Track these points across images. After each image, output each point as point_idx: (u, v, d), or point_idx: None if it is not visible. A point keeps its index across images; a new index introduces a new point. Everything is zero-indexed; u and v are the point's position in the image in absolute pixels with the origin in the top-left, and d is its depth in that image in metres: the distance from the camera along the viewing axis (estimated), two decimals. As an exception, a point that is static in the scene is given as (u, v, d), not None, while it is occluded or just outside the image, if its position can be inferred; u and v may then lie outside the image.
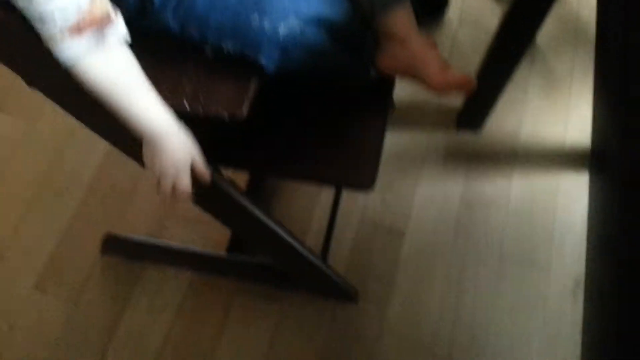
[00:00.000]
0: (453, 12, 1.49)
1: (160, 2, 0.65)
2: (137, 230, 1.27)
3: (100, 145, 1.35)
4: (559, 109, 1.39)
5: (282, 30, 0.65)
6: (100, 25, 0.55)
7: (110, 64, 0.58)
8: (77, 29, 0.54)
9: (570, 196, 1.29)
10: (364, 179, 0.82)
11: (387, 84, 0.90)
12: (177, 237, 1.26)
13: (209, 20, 0.66)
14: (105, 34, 0.56)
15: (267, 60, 0.68)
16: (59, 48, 0.54)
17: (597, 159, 0.72)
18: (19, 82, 0.64)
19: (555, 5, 0.94)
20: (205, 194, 0.70)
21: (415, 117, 1.40)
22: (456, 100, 1.34)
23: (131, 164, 0.72)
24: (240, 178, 1.21)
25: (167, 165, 0.63)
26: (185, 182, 0.65)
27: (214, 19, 0.66)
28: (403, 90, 0.89)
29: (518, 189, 1.30)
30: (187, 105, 0.66)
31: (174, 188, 0.65)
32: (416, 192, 1.31)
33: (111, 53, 0.58)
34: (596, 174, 0.71)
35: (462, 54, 1.44)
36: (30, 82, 0.65)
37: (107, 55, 0.57)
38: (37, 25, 0.53)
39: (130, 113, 0.60)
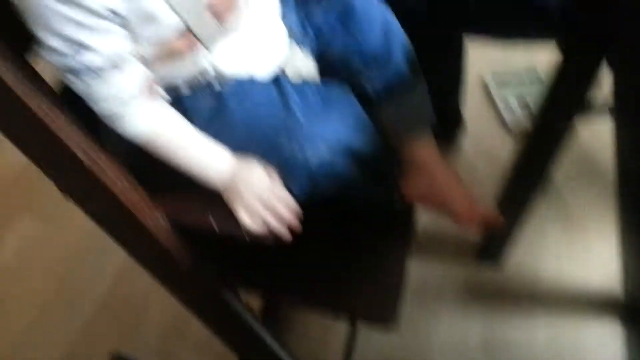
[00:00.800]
0: (466, 141, 1.53)
1: (200, 126, 0.69)
2: (147, 347, 1.22)
3: (118, 256, 1.34)
4: (578, 249, 1.36)
5: (313, 159, 0.67)
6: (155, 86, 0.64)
7: (171, 120, 0.65)
8: (148, 89, 0.61)
9: (595, 343, 1.21)
10: (386, 314, 0.79)
11: (410, 213, 0.90)
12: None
13: (242, 147, 0.68)
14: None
15: (297, 188, 0.69)
16: (133, 122, 0.61)
17: (631, 312, 0.69)
18: (46, 185, 0.66)
19: (570, 142, 0.96)
20: (220, 315, 0.68)
21: (434, 246, 1.38)
22: (476, 233, 1.33)
23: (145, 278, 0.71)
24: (254, 304, 1.17)
25: (250, 202, 0.65)
26: (278, 205, 0.66)
27: (246, 146, 0.68)
28: (420, 219, 0.90)
29: (541, 334, 1.23)
30: (213, 223, 0.67)
31: (273, 214, 0.66)
32: (435, 331, 1.25)
33: (168, 111, 0.65)
34: (632, 327, 0.67)
35: (476, 183, 1.45)
36: (63, 190, 0.67)
37: (167, 112, 0.65)
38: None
39: (195, 163, 0.65)
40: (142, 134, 0.63)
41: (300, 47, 0.75)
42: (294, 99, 0.69)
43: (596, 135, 1.42)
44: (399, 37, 0.77)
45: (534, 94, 1.55)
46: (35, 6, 0.52)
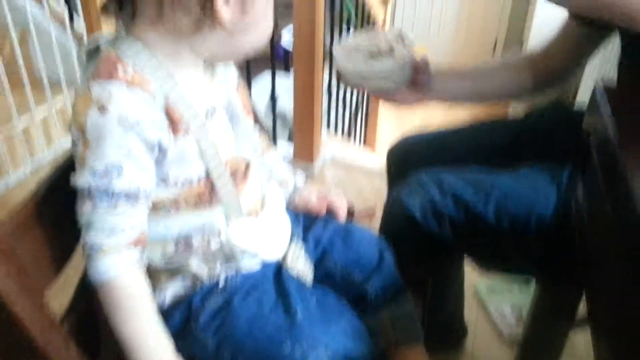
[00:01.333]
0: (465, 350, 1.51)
1: (205, 322, 0.71)
2: None
3: None
4: None
5: None
6: (144, 244, 0.65)
7: (139, 282, 0.65)
8: (137, 242, 0.63)
9: None
10: None
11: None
12: None
13: (245, 345, 0.69)
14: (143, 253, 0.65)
15: None
16: (107, 260, 0.61)
17: None
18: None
19: (563, 351, 0.96)
20: None
21: None
22: None
23: None
24: None
25: None
26: None
27: (249, 344, 0.69)
28: None
29: None
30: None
31: None
32: None
33: (141, 272, 0.65)
34: None
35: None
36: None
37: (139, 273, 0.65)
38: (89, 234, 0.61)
39: (140, 338, 0.64)
40: (108, 276, 0.62)
41: (299, 246, 0.81)
42: (295, 299, 0.72)
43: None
44: (391, 257, 0.86)
45: (527, 303, 1.58)
46: (100, 128, 0.58)
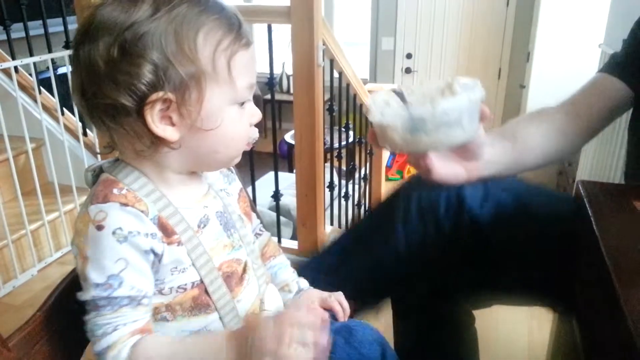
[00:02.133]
0: None
1: None
2: None
3: None
4: None
5: None
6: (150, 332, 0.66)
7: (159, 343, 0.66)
8: (142, 330, 0.64)
9: None
10: None
11: None
12: None
13: None
14: None
15: None
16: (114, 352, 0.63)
17: None
18: None
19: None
20: None
21: None
22: None
23: None
24: None
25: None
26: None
27: None
28: None
29: None
30: None
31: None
32: None
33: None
34: None
35: None
36: None
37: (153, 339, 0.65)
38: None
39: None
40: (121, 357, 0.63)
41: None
42: None
43: None
44: (394, 355, 0.86)
45: None
46: (97, 243, 0.62)
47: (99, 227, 0.62)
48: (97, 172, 0.70)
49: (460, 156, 0.80)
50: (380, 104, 0.72)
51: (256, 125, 0.73)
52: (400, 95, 0.72)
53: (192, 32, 0.62)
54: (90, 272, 0.63)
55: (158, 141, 0.64)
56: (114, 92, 0.61)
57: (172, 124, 0.64)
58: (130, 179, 0.67)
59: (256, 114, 0.72)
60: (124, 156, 0.69)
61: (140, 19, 0.61)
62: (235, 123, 0.68)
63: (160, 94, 0.61)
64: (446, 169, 0.78)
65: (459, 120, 0.68)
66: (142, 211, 0.64)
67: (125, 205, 0.64)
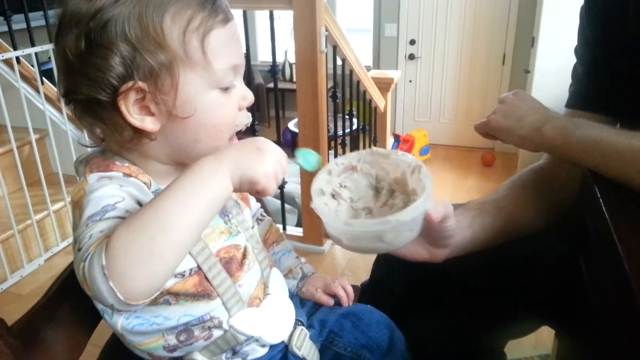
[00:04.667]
0: None
1: None
2: None
3: None
4: None
5: None
6: None
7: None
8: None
9: None
10: None
11: None
12: None
13: None
14: None
15: None
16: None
17: None
18: None
19: None
20: None
21: None
22: None
23: None
24: None
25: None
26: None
27: None
28: None
29: None
30: None
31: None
32: None
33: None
34: None
35: None
36: None
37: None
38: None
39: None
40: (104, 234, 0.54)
41: (303, 333, 0.80)
42: None
43: None
44: (401, 337, 0.85)
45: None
46: (97, 188, 0.58)
47: (101, 180, 0.60)
48: (84, 160, 0.68)
49: (427, 241, 0.79)
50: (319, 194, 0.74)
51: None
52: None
53: (157, 13, 0.58)
54: (85, 214, 0.57)
55: (139, 133, 0.62)
56: (87, 87, 0.59)
57: (152, 114, 0.61)
58: (128, 163, 0.66)
59: (247, 97, 0.67)
60: (111, 149, 0.67)
61: (104, 5, 0.57)
62: (217, 109, 0.64)
63: (130, 83, 0.58)
64: (408, 247, 0.76)
65: (381, 237, 0.68)
66: (144, 183, 0.63)
67: (129, 175, 0.62)
